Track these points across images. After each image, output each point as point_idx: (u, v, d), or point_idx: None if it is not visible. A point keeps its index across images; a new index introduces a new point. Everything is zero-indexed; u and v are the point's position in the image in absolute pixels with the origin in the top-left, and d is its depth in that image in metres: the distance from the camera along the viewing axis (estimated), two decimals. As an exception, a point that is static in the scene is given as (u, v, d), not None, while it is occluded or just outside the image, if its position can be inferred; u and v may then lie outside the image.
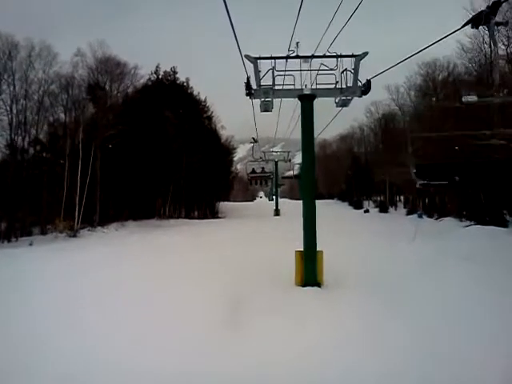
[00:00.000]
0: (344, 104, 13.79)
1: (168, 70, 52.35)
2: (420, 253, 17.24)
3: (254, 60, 12.84)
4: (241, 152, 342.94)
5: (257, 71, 12.93)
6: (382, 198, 78.44)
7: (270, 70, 12.95)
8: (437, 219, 34.63)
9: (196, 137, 48.91)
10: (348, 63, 13.03)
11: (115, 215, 37.38)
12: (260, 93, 12.96)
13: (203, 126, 52.58)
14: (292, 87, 13.13)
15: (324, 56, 13.21)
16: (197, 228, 34.30)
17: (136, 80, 43.27)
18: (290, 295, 11.52)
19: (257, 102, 14.06)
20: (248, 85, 12.67)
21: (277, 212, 54.60)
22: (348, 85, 12.87)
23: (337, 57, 12.98)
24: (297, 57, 13.23)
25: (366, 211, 67.43)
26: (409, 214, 48.48)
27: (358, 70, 12.87)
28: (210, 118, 56.34)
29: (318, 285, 12.49)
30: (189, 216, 51.48)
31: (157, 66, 52.18)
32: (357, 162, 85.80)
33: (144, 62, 52.44)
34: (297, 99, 13.52)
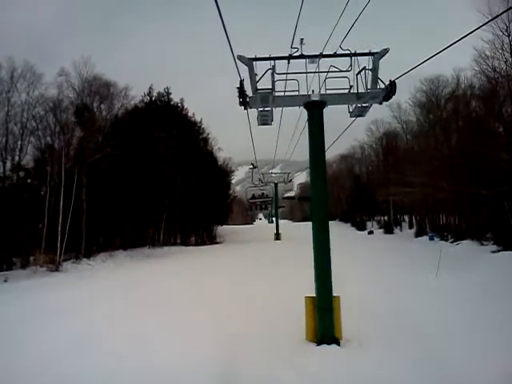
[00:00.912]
0: (360, 113, 11.23)
1: (162, 90, 50.37)
2: (455, 291, 14.38)
3: (249, 61, 10.34)
4: (240, 174, 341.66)
5: (252, 75, 10.40)
6: (385, 218, 75.83)
7: (269, 72, 10.42)
8: (453, 242, 31.84)
9: (191, 159, 46.62)
10: (362, 64, 10.58)
11: (104, 245, 34.74)
12: (257, 100, 10.35)
13: (199, 148, 50.28)
14: (296, 93, 10.63)
15: (335, 55, 10.71)
16: (190, 257, 31.58)
17: (127, 101, 41.10)
18: (301, 362, 8.66)
19: (254, 114, 11.60)
20: (241, 90, 10.10)
21: (277, 236, 51.80)
22: (366, 88, 10.35)
23: (351, 55, 10.48)
24: (301, 56, 10.70)
25: (371, 232, 64.79)
26: (418, 235, 45.57)
27: (377, 70, 10.40)
28: (205, 139, 54.14)
29: (337, 341, 9.72)
30: (185, 242, 48.78)
31: (150, 87, 50.26)
32: (358, 182, 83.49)
33: (138, 83, 49.99)
34: (301, 108, 11.02)
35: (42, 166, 34.02)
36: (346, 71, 10.61)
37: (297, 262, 27.66)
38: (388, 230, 62.16)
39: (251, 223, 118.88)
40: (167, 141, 44.66)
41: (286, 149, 32.07)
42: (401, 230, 63.89)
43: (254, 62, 10.42)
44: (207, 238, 58.73)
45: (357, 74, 10.51)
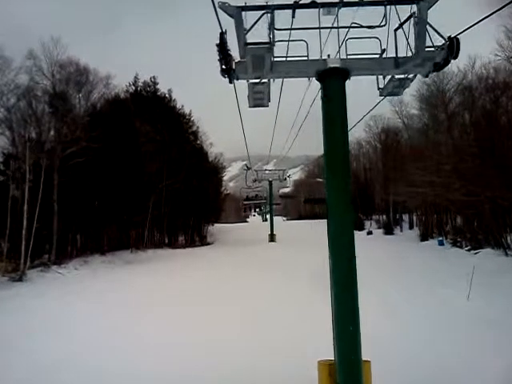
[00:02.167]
0: (395, 89, 7.77)
1: (148, 80, 46.72)
2: (500, 322, 11.08)
3: (237, 11, 6.88)
4: (233, 170, 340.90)
5: (241, 31, 6.94)
6: (384, 217, 72.77)
7: (264, 26, 6.97)
8: (470, 250, 28.31)
9: (179, 154, 43.09)
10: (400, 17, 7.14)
11: (80, 249, 31.31)
12: (248, 64, 6.82)
13: (187, 142, 46.75)
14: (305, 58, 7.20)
15: (362, 2, 7.27)
16: (173, 264, 28.11)
17: (108, 91, 37.32)
18: None
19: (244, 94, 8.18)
20: (223, 47, 6.58)
21: (272, 237, 48.46)
22: (411, 50, 6.94)
23: (386, 3, 7.04)
24: (312, 4, 7.26)
25: (370, 233, 61.57)
26: (424, 239, 41.95)
27: (425, 24, 6.93)
28: (195, 133, 50.54)
29: None
30: (172, 243, 45.33)
31: (135, 76, 46.68)
32: (356, 180, 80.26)
33: (123, 74, 46.19)
34: (311, 82, 7.63)
35: (9, 161, 30.41)
36: (378, 27, 7.17)
37: (293, 273, 24.51)
38: (388, 230, 59.01)
39: (245, 220, 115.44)
40: (153, 134, 41.15)
41: (281, 143, 28.99)
42: (401, 231, 60.80)
43: (244, 13, 6.98)
44: (198, 237, 55.43)
45: (396, 30, 7.11)
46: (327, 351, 6.68)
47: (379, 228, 65.16)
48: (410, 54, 7.02)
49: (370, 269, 21.48)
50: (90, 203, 30.22)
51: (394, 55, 7.10)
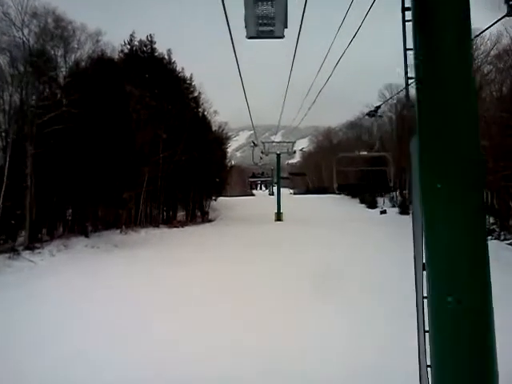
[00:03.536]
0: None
1: (144, 39, 41.96)
2: None
3: None
4: (240, 139, 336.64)
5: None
6: (397, 194, 68.57)
7: None
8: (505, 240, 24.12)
9: (178, 123, 38.86)
10: None
11: (59, 231, 27.53)
12: None
13: (188, 109, 42.35)
14: None
15: None
16: (164, 250, 24.23)
17: (99, 49, 32.73)
18: None
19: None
20: None
21: (278, 216, 44.56)
22: None
23: None
24: None
25: (383, 212, 57.38)
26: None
27: None
28: (196, 99, 46.04)
29: None
30: (170, 220, 41.59)
31: (131, 35, 41.79)
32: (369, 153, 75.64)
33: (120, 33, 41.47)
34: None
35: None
36: None
37: (304, 254, 20.72)
38: (404, 209, 54.76)
39: (251, 193, 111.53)
40: (148, 99, 36.84)
41: (289, 113, 25.55)
42: (417, 209, 56.65)
43: None
44: (199, 212, 51.72)
45: None
46: None
47: (393, 206, 61.00)
48: None
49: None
50: (72, 178, 26.17)
51: None
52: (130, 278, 17.04)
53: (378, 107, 14.15)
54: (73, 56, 31.03)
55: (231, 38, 7.08)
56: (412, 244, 3.69)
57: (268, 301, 13.39)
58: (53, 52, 29.54)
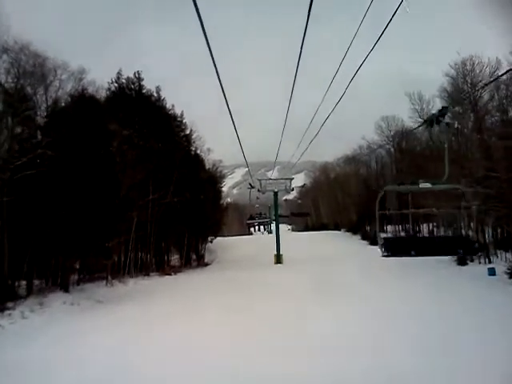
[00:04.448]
0: None
1: (132, 76, 40.14)
2: None
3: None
4: (236, 176, 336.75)
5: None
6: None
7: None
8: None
9: (168, 163, 36.65)
10: None
11: (35, 286, 24.58)
12: None
13: (179, 148, 40.19)
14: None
15: None
16: (153, 307, 21.19)
17: (83, 88, 30.60)
18: None
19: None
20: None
21: (278, 258, 41.74)
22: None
23: None
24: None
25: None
26: (462, 262, 33.75)
27: None
28: (188, 137, 43.97)
29: None
30: (163, 266, 38.68)
31: (118, 72, 40.03)
32: (368, 187, 73.54)
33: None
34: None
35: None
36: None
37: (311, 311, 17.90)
38: (409, 245, 51.92)
39: (249, 232, 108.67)
40: (136, 139, 34.69)
41: (284, 149, 24.37)
42: (423, 246, 53.85)
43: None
44: (195, 255, 48.98)
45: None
46: None
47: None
48: None
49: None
50: (51, 227, 23.49)
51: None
52: (109, 350, 14.14)
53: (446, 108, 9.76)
54: (54, 95, 29.10)
55: (218, 78, 7.98)
56: None
57: None
58: (32, 91, 27.54)
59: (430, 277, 25.96)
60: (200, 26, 5.88)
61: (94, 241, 24.88)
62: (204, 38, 6.31)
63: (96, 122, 26.35)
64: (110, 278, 28.49)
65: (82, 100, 26.22)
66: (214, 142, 58.53)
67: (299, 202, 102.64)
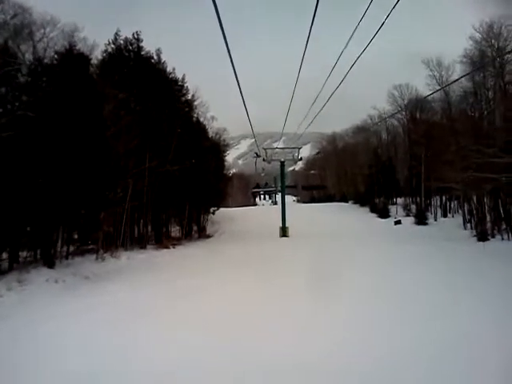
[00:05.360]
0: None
1: (130, 37, 37.30)
2: None
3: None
4: (242, 147, 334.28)
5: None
6: (410, 200, 63.68)
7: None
8: None
9: (168, 128, 34.34)
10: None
11: (16, 261, 22.61)
12: None
13: (179, 113, 37.72)
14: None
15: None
16: (146, 286, 19.20)
17: (71, 44, 27.98)
18: None
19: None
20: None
21: (284, 231, 39.69)
22: None
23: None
24: None
25: (398, 222, 52.59)
26: (482, 238, 31.04)
27: None
28: (189, 102, 41.41)
29: None
30: (162, 238, 36.75)
31: (115, 33, 37.27)
32: (379, 158, 70.99)
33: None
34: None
35: None
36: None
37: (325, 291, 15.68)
38: (421, 219, 49.81)
39: (253, 203, 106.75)
40: (133, 103, 32.32)
41: (292, 120, 24.17)
42: (435, 219, 51.72)
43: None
44: (196, 226, 47.18)
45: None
46: None
47: (407, 215, 56.14)
48: None
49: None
50: (35, 197, 21.37)
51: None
52: (82, 337, 12.07)
53: None
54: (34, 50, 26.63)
55: (227, 47, 8.56)
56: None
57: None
58: (16, 48, 25.08)
59: (456, 261, 22.56)
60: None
61: (80, 211, 22.79)
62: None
63: (85, 81, 23.87)
64: (101, 251, 26.49)
65: (70, 57, 23.60)
66: (219, 111, 56.39)
67: (312, 172, 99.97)
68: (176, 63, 40.18)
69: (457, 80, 38.01)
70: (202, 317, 12.78)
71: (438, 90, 42.23)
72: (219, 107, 55.83)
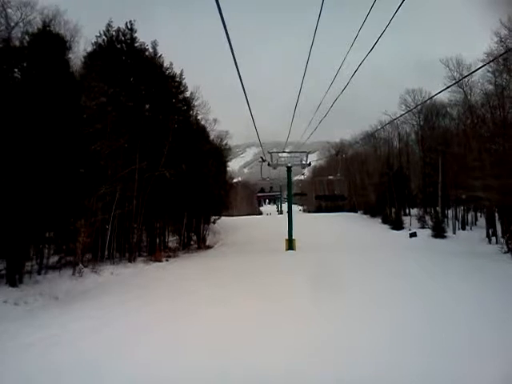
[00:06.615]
0: None
1: (123, 27, 34.07)
2: None
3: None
4: (248, 156, 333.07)
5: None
6: (424, 210, 59.88)
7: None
8: None
9: (162, 128, 30.99)
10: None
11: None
12: None
13: (176, 112, 34.36)
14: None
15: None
16: (128, 312, 15.56)
17: (45, 24, 24.72)
18: None
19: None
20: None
21: (290, 244, 35.97)
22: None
23: None
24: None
25: (413, 235, 48.75)
26: None
27: None
28: (187, 100, 38.00)
29: None
30: (156, 249, 33.24)
31: (108, 24, 34.13)
32: (391, 167, 67.36)
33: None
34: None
35: None
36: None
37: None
38: (438, 231, 45.94)
39: (258, 212, 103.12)
40: (124, 98, 29.02)
41: (297, 129, 23.68)
42: (454, 232, 47.86)
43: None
44: (196, 236, 43.78)
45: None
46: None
47: (422, 227, 52.29)
48: None
49: None
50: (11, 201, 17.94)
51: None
52: None
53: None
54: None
55: (233, 57, 9.48)
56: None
57: None
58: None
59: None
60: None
61: (49, 220, 19.26)
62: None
63: (61, 68, 20.49)
64: (80, 265, 22.92)
65: (43, 38, 20.22)
66: (225, 120, 53.17)
67: (330, 177, 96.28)
68: (188, 73, 36.58)
69: (474, 71, 34.20)
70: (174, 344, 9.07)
71: (452, 85, 38.31)
72: (224, 116, 53.93)
